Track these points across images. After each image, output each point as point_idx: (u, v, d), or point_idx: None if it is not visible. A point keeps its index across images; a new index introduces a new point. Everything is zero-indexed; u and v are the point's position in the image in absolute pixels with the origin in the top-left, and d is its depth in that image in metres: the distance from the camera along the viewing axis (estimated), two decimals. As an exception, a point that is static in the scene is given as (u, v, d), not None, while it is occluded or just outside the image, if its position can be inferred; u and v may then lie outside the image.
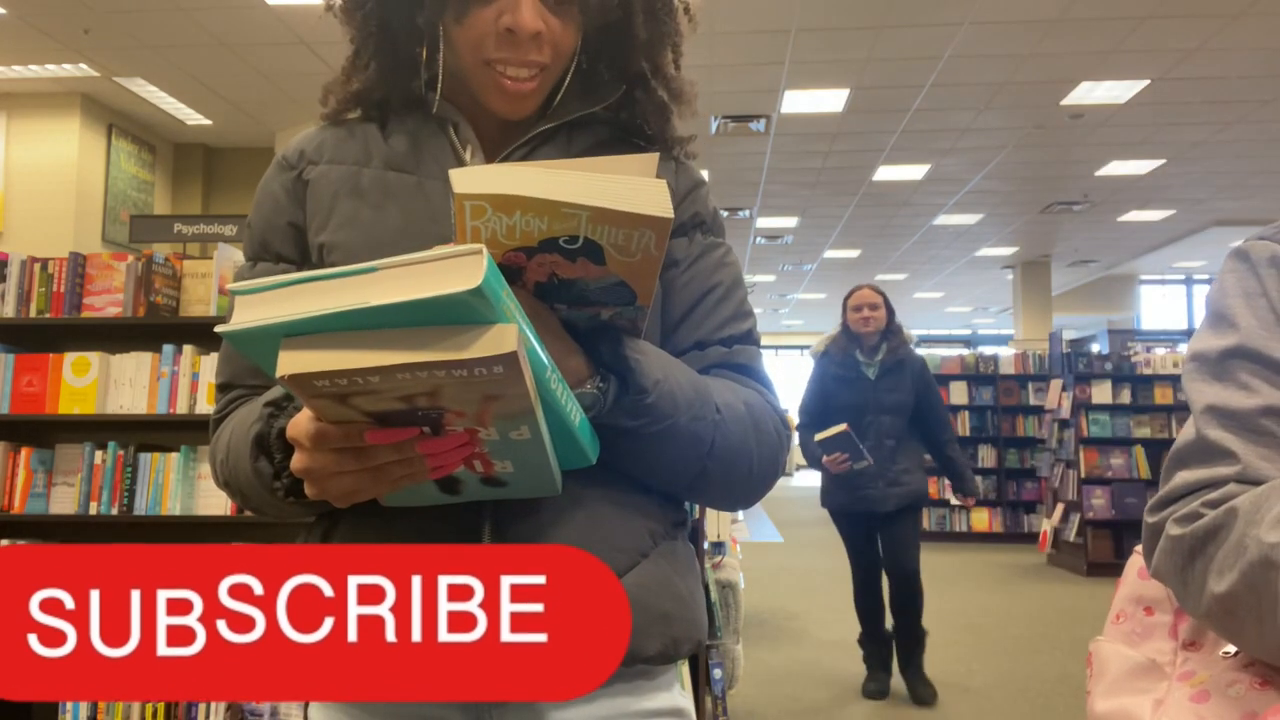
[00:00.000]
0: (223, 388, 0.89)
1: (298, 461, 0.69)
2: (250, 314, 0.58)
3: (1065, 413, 7.81)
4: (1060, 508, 7.75)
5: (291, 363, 0.57)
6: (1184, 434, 0.70)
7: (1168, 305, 16.77)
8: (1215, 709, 0.64)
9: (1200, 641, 0.71)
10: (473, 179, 0.63)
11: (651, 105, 0.92)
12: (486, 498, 0.75)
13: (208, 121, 8.24)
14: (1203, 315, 0.75)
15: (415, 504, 0.75)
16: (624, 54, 0.91)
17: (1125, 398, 7.81)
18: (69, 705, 2.80)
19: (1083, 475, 7.49)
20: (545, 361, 0.65)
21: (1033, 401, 9.81)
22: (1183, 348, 9.73)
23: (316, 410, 0.63)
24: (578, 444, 0.72)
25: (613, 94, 0.91)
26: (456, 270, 0.55)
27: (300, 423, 0.67)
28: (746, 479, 0.84)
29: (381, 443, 0.64)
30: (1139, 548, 0.74)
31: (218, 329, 0.60)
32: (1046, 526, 7.87)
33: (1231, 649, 0.67)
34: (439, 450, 0.65)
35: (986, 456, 9.79)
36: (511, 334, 0.56)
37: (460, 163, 0.88)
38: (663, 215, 0.63)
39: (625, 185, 0.63)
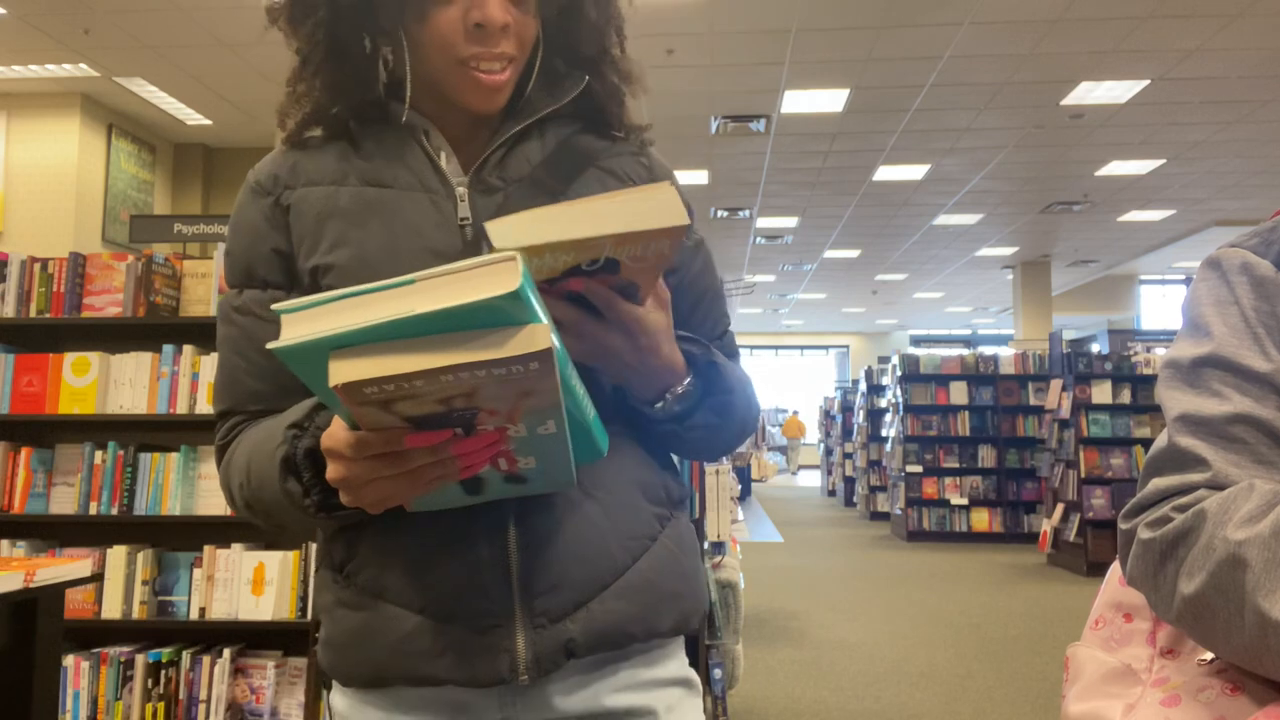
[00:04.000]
0: (223, 414, 0.90)
1: (334, 471, 0.69)
2: (298, 330, 0.61)
3: (1065, 413, 7.81)
4: (1060, 508, 7.75)
5: (344, 372, 0.59)
6: (1158, 442, 0.71)
7: (1168, 305, 16.78)
8: (1185, 713, 0.64)
9: (1178, 649, 0.71)
10: (509, 234, 0.67)
11: (605, 90, 0.94)
12: (508, 495, 0.78)
13: (208, 121, 8.25)
14: (1179, 324, 0.76)
15: (441, 507, 0.78)
16: (576, 39, 0.91)
17: (1125, 398, 7.81)
18: (69, 705, 2.80)
19: (1083, 475, 7.49)
20: (566, 358, 0.69)
21: (1033, 401, 9.81)
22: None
23: (360, 417, 0.65)
24: (590, 438, 0.77)
25: (576, 87, 0.92)
26: (494, 277, 0.59)
27: (336, 434, 0.68)
28: (736, 442, 0.96)
29: (421, 445, 0.66)
30: None
31: (270, 346, 0.61)
32: (1046, 526, 7.88)
33: (1209, 656, 0.67)
34: (470, 450, 0.68)
35: (986, 456, 9.79)
36: (545, 332, 0.60)
37: (436, 170, 0.88)
38: (680, 224, 0.68)
39: (643, 203, 0.68)
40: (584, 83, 0.91)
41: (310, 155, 0.90)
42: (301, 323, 0.61)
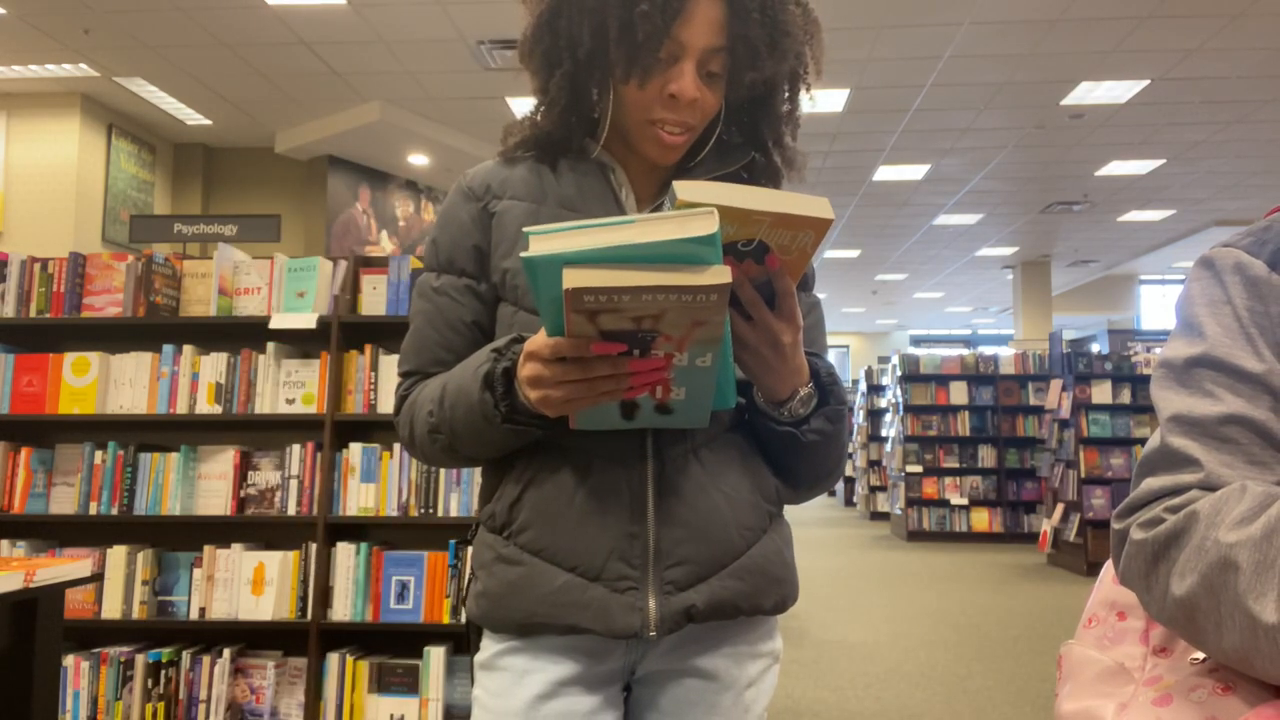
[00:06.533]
0: (407, 374, 1.08)
1: (530, 371, 0.87)
2: (545, 246, 0.75)
3: (1065, 413, 7.81)
4: (1060, 508, 7.75)
5: (574, 279, 0.73)
6: (1151, 442, 0.71)
7: (1168, 305, 16.77)
8: (1177, 712, 0.65)
9: (1171, 648, 0.71)
10: (693, 191, 0.78)
11: (768, 168, 1.10)
12: (654, 425, 0.94)
13: (208, 121, 8.25)
14: (1173, 324, 0.76)
15: (600, 427, 0.94)
16: (758, 123, 1.08)
17: (1125, 398, 7.81)
18: (69, 705, 2.80)
19: (1083, 475, 7.49)
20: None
21: (1033, 401, 9.81)
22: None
23: (569, 324, 0.78)
24: (726, 389, 0.92)
25: (744, 158, 1.08)
26: (695, 221, 0.74)
27: (537, 339, 0.85)
28: (840, 458, 1.06)
29: (603, 353, 0.80)
30: None
31: (523, 255, 0.75)
32: (1046, 526, 7.88)
33: (1201, 655, 0.67)
34: (643, 369, 0.82)
35: (986, 456, 9.80)
36: (727, 271, 0.75)
37: (618, 203, 1.05)
38: (827, 218, 0.81)
39: (802, 200, 0.81)
40: (749, 157, 1.08)
41: (517, 172, 1.08)
42: (547, 241, 0.75)
